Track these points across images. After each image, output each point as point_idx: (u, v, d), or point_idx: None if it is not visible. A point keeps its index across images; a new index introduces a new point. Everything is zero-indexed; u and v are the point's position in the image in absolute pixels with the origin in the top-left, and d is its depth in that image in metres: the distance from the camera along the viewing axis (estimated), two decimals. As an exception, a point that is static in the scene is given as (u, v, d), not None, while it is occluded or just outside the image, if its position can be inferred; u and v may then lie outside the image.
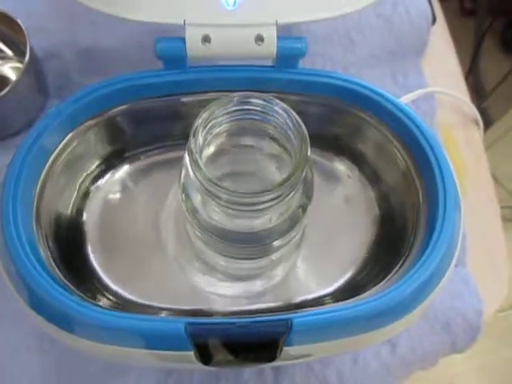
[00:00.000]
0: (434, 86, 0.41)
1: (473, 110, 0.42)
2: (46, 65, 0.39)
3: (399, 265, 0.27)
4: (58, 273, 0.26)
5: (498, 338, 0.82)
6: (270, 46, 0.28)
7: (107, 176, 0.32)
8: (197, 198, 0.26)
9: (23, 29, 0.35)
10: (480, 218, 0.39)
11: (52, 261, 0.27)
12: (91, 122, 0.30)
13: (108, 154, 0.32)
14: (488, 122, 0.76)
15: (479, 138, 0.42)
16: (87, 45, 0.39)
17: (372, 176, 0.33)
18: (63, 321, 0.24)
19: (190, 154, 0.24)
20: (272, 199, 0.23)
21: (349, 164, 0.34)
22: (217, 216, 0.26)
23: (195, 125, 0.24)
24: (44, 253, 0.26)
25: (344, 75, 0.30)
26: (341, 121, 0.32)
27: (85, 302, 0.24)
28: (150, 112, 0.31)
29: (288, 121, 0.25)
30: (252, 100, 0.25)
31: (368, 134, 0.31)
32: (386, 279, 0.27)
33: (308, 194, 0.27)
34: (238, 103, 0.25)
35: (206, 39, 0.28)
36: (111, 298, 0.29)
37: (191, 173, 0.24)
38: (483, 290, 0.35)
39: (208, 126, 0.25)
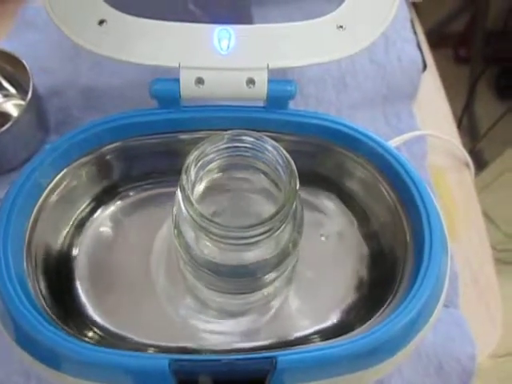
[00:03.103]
0: (426, 129, 0.42)
1: (464, 154, 0.42)
2: (48, 102, 0.40)
3: (386, 304, 0.27)
4: (45, 306, 0.26)
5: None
6: (261, 89, 0.29)
7: (99, 211, 0.33)
8: (189, 234, 0.26)
9: (27, 68, 0.36)
10: (472, 260, 0.38)
11: (40, 294, 0.27)
12: (85, 159, 0.30)
13: (101, 189, 0.33)
14: (483, 164, 0.77)
15: (470, 180, 0.42)
16: (88, 83, 0.41)
17: (361, 215, 0.33)
18: (48, 357, 0.24)
19: (182, 190, 0.24)
20: (263, 233, 0.24)
21: (338, 202, 0.34)
22: (209, 250, 0.26)
23: (187, 162, 0.25)
24: (32, 286, 0.26)
25: (331, 116, 0.31)
26: (330, 160, 0.32)
27: (69, 337, 0.24)
28: (142, 149, 0.32)
29: (277, 157, 0.26)
30: (242, 137, 0.26)
31: (357, 174, 0.32)
32: (373, 318, 0.27)
33: (298, 229, 0.27)
34: (229, 141, 0.26)
35: (199, 81, 0.29)
36: (99, 332, 0.29)
37: (183, 209, 0.24)
38: (476, 331, 0.35)
39: (200, 163, 0.26)
